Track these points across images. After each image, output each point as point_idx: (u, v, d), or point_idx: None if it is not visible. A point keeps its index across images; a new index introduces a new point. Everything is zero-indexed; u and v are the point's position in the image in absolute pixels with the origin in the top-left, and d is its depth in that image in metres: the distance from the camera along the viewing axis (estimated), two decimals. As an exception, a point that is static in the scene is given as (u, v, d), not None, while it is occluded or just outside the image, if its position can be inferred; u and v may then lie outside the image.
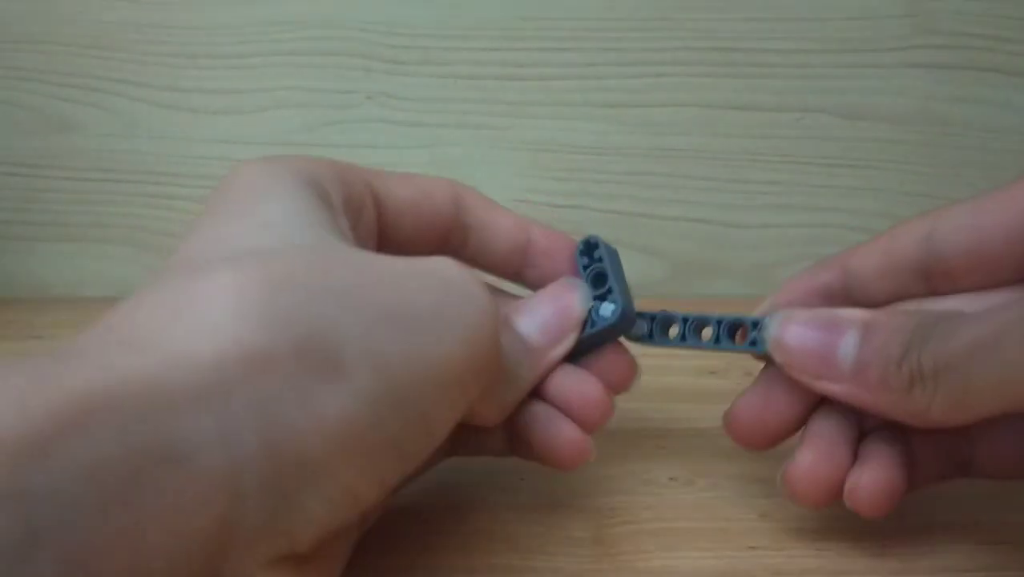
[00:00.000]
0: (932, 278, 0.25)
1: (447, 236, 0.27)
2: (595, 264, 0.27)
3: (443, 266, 0.22)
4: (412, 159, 0.44)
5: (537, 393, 0.26)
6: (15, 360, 0.17)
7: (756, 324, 0.25)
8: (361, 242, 0.24)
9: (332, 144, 0.44)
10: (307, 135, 0.44)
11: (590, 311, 0.26)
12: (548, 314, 0.26)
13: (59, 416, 0.15)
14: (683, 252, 0.46)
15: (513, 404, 0.25)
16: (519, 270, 0.28)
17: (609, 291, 0.27)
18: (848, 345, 0.24)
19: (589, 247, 0.28)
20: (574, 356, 0.26)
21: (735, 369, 0.37)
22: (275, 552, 0.19)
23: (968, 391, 0.22)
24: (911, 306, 0.25)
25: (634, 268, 0.46)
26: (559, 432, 0.25)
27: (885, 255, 0.26)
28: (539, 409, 0.26)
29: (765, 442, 0.26)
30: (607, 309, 0.26)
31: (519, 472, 0.29)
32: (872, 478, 0.24)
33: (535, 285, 0.28)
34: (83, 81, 0.44)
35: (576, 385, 0.26)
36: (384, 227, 0.26)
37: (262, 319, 0.18)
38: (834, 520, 0.27)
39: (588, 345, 0.26)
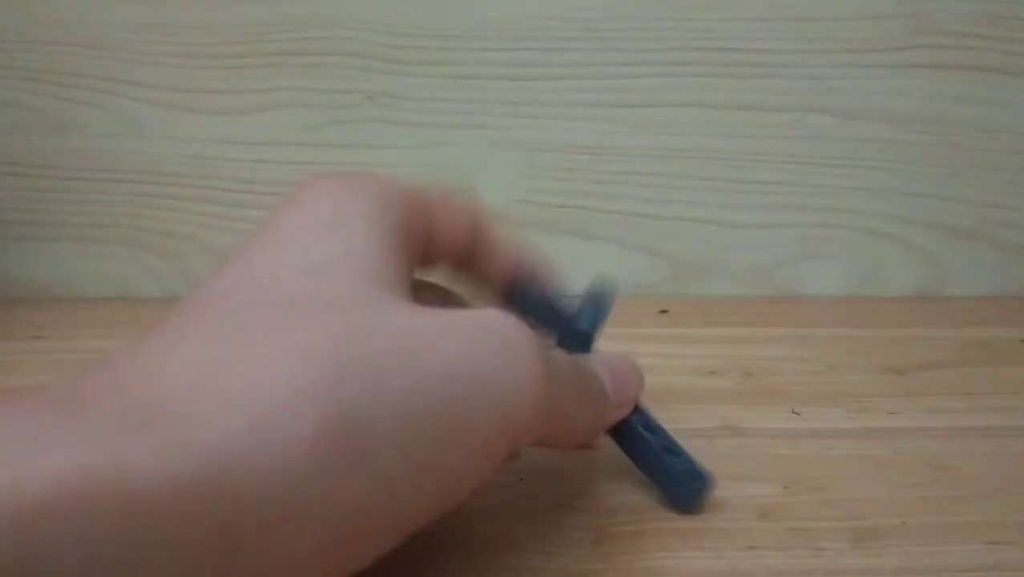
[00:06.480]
0: None
1: (460, 262, 0.27)
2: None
3: (491, 322, 0.21)
4: (412, 159, 0.44)
5: None
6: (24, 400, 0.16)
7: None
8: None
9: (332, 144, 0.44)
10: (307, 135, 0.44)
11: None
12: (620, 375, 0.27)
13: (39, 504, 0.14)
14: (683, 252, 0.46)
15: (593, 437, 0.27)
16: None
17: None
18: None
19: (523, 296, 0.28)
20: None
21: (735, 369, 0.37)
22: None
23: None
24: None
25: (634, 268, 0.46)
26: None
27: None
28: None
29: None
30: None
31: (518, 472, 0.29)
32: None
33: (477, 280, 0.28)
34: (83, 81, 0.44)
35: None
36: (424, 260, 0.25)
37: (284, 395, 0.17)
38: (833, 520, 0.27)
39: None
